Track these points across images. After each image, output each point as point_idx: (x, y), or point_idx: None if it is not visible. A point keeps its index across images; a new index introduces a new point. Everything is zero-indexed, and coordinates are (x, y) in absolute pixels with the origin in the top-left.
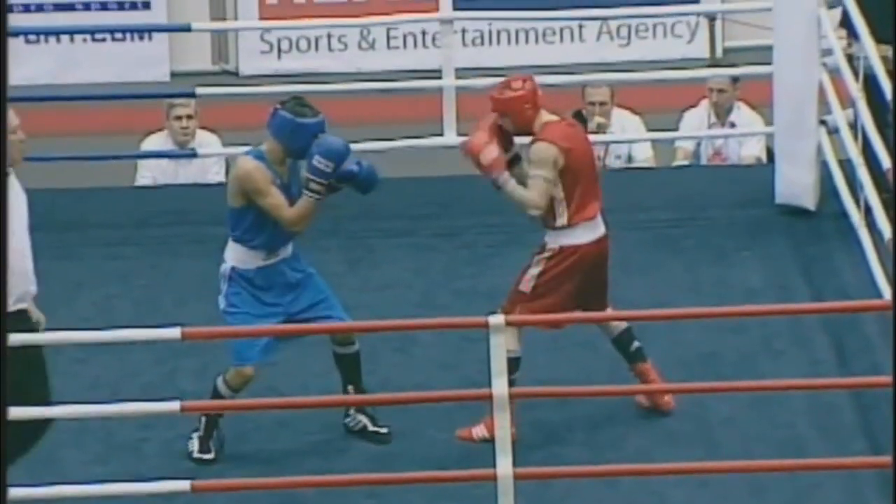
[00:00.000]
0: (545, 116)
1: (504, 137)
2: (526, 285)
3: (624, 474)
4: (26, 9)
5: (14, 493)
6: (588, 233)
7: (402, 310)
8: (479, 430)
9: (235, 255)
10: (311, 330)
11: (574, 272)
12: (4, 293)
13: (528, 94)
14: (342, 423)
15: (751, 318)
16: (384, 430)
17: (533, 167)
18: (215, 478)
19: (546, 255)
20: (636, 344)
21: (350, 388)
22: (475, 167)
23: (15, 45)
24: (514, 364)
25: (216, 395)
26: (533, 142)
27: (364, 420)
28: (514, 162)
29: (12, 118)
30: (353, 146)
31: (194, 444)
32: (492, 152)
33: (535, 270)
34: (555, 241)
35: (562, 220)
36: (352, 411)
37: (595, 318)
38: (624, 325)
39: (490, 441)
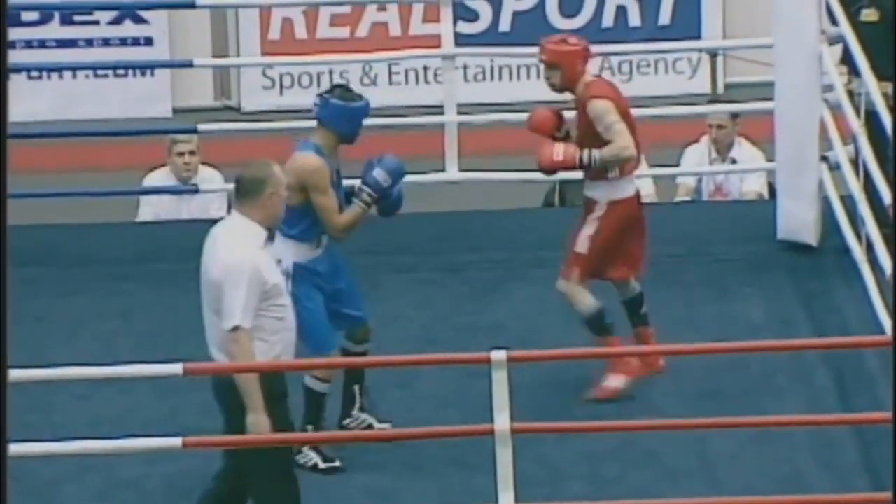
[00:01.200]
0: (588, 77)
1: (556, 124)
2: (583, 246)
3: None
4: (29, 45)
5: None
6: (631, 186)
7: (404, 344)
8: (614, 381)
9: (293, 251)
10: (340, 363)
11: (624, 226)
12: (5, 297)
13: (582, 51)
14: (341, 425)
15: (752, 353)
16: (389, 425)
17: (601, 122)
18: None
19: (597, 213)
20: (644, 309)
21: (356, 387)
22: (564, 172)
23: (17, 81)
24: (602, 316)
25: (310, 392)
26: (586, 101)
27: (368, 419)
28: (569, 136)
29: None
30: (353, 181)
31: (314, 458)
32: (558, 150)
33: (589, 230)
34: (604, 195)
35: (614, 171)
36: (354, 412)
37: (602, 353)
38: (639, 288)
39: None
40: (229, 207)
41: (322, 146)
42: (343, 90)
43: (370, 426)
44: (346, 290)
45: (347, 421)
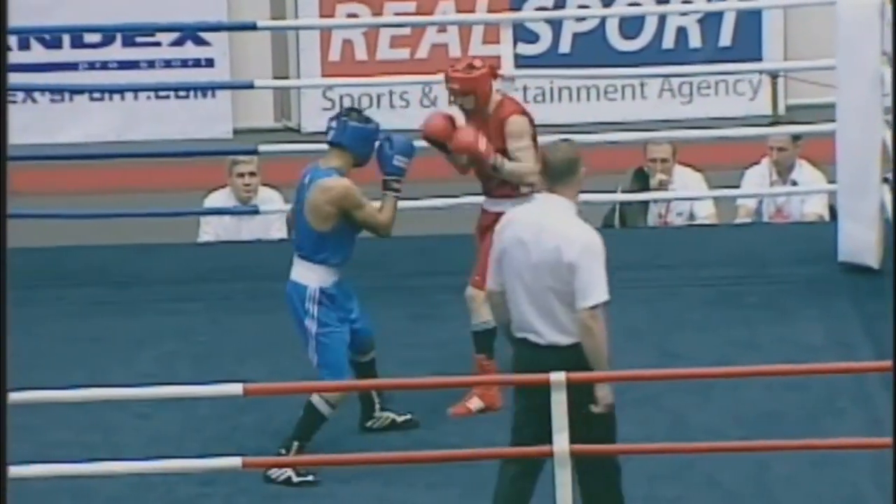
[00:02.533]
0: (497, 95)
1: (451, 131)
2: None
3: None
4: (91, 66)
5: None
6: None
7: (462, 365)
8: (474, 403)
9: (318, 276)
10: (380, 385)
11: None
12: (4, 294)
13: (490, 72)
14: (364, 427)
15: (813, 376)
16: (410, 416)
17: (515, 140)
18: None
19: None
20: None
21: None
22: (468, 160)
23: (80, 103)
24: (491, 334)
25: (312, 410)
26: (504, 119)
27: (390, 415)
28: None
29: None
30: (416, 203)
31: (288, 472)
32: (483, 141)
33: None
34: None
35: (521, 190)
36: (376, 413)
37: (656, 376)
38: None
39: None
40: (289, 229)
41: (341, 168)
42: (359, 113)
43: (393, 421)
44: (357, 309)
45: (371, 422)
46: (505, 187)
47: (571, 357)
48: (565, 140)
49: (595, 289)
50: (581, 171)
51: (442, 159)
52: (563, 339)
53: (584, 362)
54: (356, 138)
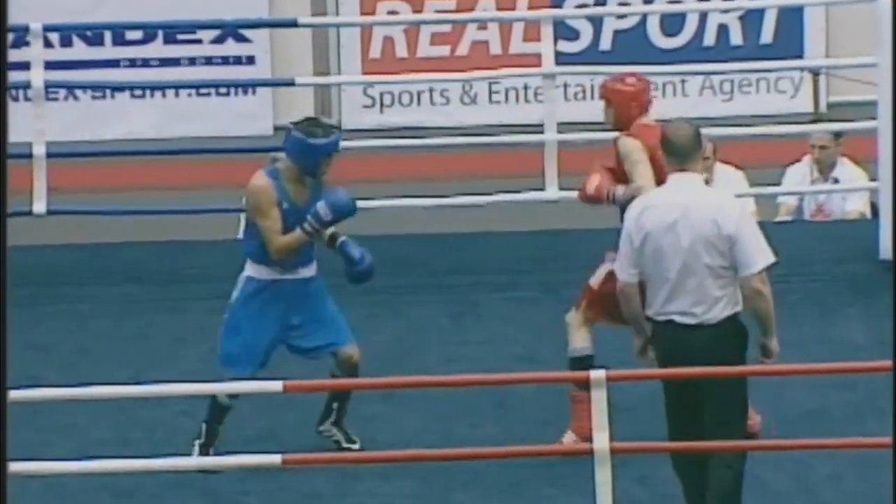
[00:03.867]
0: (646, 119)
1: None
2: (596, 280)
3: None
4: (132, 63)
5: None
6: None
7: (503, 364)
8: (568, 438)
9: (250, 267)
10: (401, 384)
11: None
12: (4, 289)
13: (636, 93)
14: (316, 431)
15: (856, 374)
16: (356, 447)
17: (626, 161)
18: None
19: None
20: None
21: (335, 404)
22: (599, 203)
23: (121, 100)
24: (586, 362)
25: (214, 403)
26: (619, 139)
27: (338, 435)
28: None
29: None
30: (456, 200)
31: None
32: (593, 181)
33: (607, 266)
34: None
35: None
36: (325, 425)
37: (707, 373)
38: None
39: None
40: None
41: (282, 172)
42: (310, 123)
43: (337, 442)
44: (307, 325)
45: (321, 429)
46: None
47: (719, 334)
48: (683, 119)
49: (761, 253)
50: (706, 144)
51: (477, 157)
52: (713, 317)
53: (730, 339)
54: (294, 148)
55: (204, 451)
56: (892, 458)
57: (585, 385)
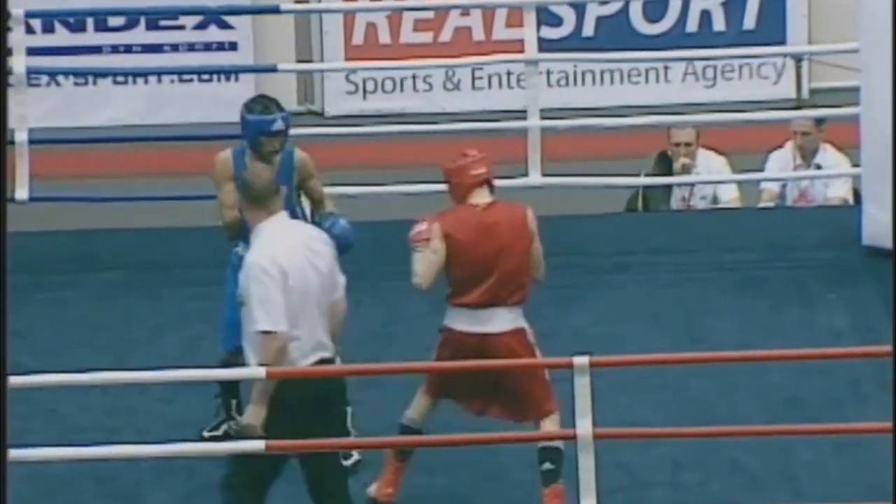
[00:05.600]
0: (477, 198)
1: None
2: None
3: None
4: (115, 50)
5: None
6: (466, 320)
7: None
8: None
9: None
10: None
11: (447, 355)
12: (4, 296)
13: (457, 169)
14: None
15: (836, 360)
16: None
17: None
18: None
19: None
20: (547, 466)
21: (234, 402)
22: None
23: (104, 86)
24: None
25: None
26: None
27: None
28: None
29: None
30: (439, 186)
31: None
32: (419, 226)
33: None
34: (445, 318)
35: (448, 299)
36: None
37: (692, 359)
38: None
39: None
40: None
41: (249, 150)
42: (255, 100)
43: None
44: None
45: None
46: None
47: None
48: (259, 165)
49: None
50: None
51: (461, 143)
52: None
53: None
54: (241, 124)
55: (227, 427)
56: (893, 445)
57: (404, 454)
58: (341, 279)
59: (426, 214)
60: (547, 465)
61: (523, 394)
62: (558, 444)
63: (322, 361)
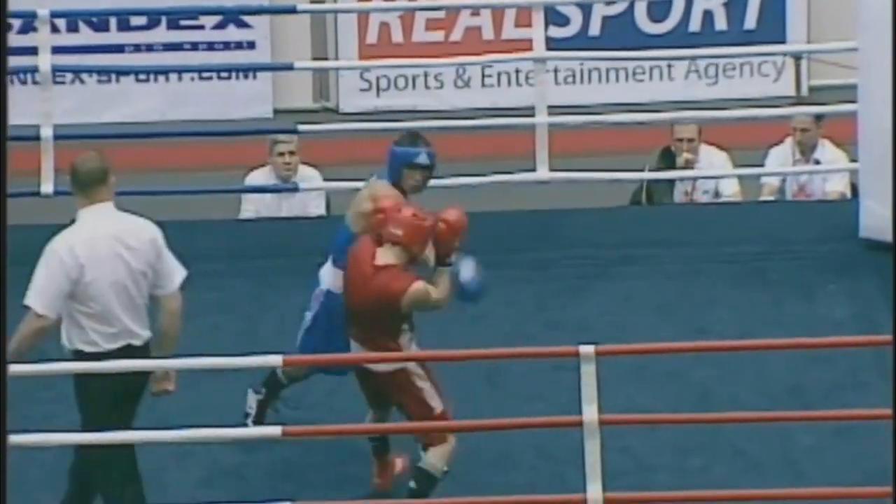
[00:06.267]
0: (387, 254)
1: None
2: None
3: (711, 500)
4: (137, 48)
5: None
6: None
7: (494, 340)
8: None
9: (333, 280)
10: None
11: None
12: (4, 296)
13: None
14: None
15: (836, 349)
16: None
17: None
18: (316, 499)
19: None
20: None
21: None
22: None
23: (126, 84)
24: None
25: (273, 377)
26: None
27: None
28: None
29: None
30: (449, 181)
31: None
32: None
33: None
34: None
35: None
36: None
37: (691, 348)
38: None
39: None
40: (328, 206)
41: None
42: (405, 136)
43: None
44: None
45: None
46: None
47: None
48: (91, 150)
49: (179, 269)
50: (112, 178)
51: (470, 139)
52: (147, 332)
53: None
54: (388, 155)
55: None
56: (893, 431)
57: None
58: (177, 276)
59: (437, 207)
60: (412, 484)
61: (407, 413)
62: (436, 472)
63: (129, 348)
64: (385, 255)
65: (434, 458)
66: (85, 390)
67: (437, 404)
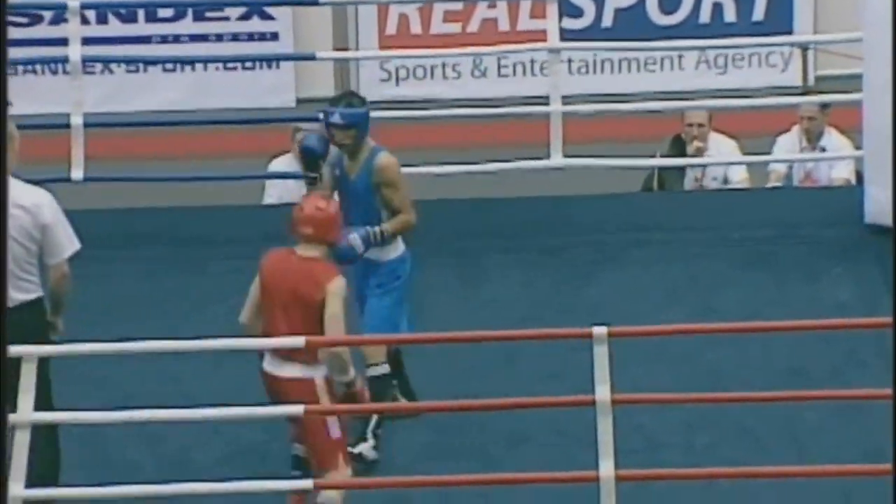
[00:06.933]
0: (307, 249)
1: None
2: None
3: (720, 477)
4: (164, 39)
5: (151, 489)
6: (268, 359)
7: (508, 322)
8: None
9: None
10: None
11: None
12: (4, 293)
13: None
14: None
15: (839, 330)
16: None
17: None
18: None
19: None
20: None
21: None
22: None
23: (154, 73)
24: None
25: (377, 379)
26: None
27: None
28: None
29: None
30: (466, 167)
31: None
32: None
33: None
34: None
35: None
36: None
37: (704, 329)
38: None
39: None
40: None
41: None
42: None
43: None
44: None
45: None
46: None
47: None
48: None
49: (69, 240)
50: (13, 143)
51: (487, 127)
52: (24, 296)
53: (41, 317)
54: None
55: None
56: (893, 410)
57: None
58: (65, 249)
59: (456, 194)
60: None
61: (299, 430)
62: (334, 500)
63: None
64: (306, 250)
65: (333, 494)
66: None
67: (335, 431)
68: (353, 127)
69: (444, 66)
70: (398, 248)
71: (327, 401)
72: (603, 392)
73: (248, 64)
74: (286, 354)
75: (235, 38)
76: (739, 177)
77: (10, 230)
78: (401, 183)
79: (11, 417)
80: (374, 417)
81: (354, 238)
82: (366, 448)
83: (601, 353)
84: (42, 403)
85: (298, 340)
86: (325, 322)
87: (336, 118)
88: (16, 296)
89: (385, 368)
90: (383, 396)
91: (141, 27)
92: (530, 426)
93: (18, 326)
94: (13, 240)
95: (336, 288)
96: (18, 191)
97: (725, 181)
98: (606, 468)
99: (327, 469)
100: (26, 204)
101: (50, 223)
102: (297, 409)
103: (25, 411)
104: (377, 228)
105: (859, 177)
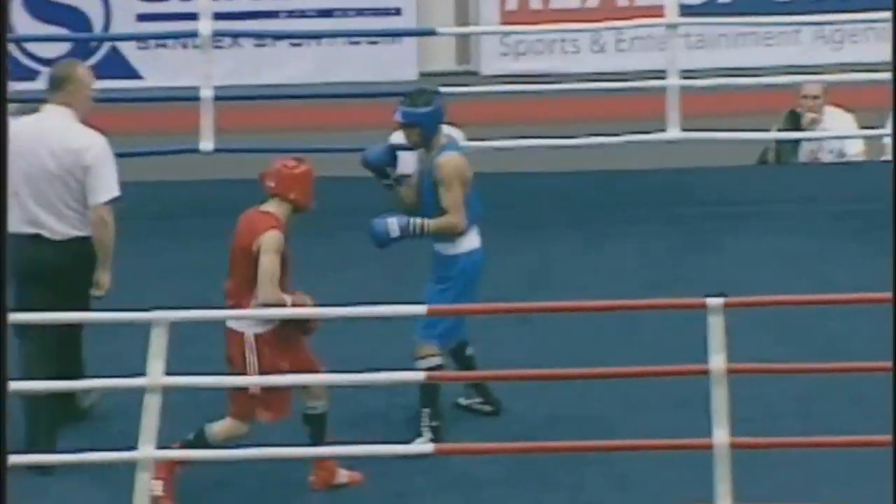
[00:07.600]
0: (268, 204)
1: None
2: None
3: (832, 446)
4: (290, 14)
5: (282, 451)
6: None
7: (628, 291)
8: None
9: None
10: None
11: None
12: (4, 300)
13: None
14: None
15: None
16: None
17: None
18: (454, 442)
19: None
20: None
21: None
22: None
23: (281, 48)
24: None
25: (424, 390)
26: None
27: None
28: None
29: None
30: (585, 140)
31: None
32: None
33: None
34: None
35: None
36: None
37: (820, 300)
38: None
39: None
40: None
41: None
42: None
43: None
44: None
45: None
46: None
47: (76, 248)
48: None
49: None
50: (76, 85)
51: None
52: (73, 232)
53: (84, 255)
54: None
55: (434, 435)
56: (893, 394)
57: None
58: (101, 194)
59: (574, 167)
60: (189, 435)
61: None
62: (212, 441)
63: (39, 237)
64: (268, 205)
65: (219, 429)
66: None
67: (254, 387)
68: (416, 126)
69: (563, 40)
70: (467, 244)
71: (254, 358)
72: (717, 361)
73: (372, 39)
74: (233, 303)
75: (360, 13)
76: (856, 150)
77: (55, 170)
78: (454, 183)
79: (142, 381)
80: (426, 411)
81: (392, 222)
82: (422, 443)
83: (716, 323)
84: (65, 369)
85: (420, 309)
86: (258, 276)
87: (398, 116)
88: (59, 229)
89: (434, 361)
90: (434, 391)
91: (269, 2)
92: (647, 393)
93: (61, 256)
94: (57, 178)
95: (268, 240)
96: (73, 133)
97: (841, 154)
98: (721, 436)
99: (234, 416)
100: (74, 146)
101: (91, 165)
102: (417, 375)
103: (156, 375)
104: (419, 221)
105: None
